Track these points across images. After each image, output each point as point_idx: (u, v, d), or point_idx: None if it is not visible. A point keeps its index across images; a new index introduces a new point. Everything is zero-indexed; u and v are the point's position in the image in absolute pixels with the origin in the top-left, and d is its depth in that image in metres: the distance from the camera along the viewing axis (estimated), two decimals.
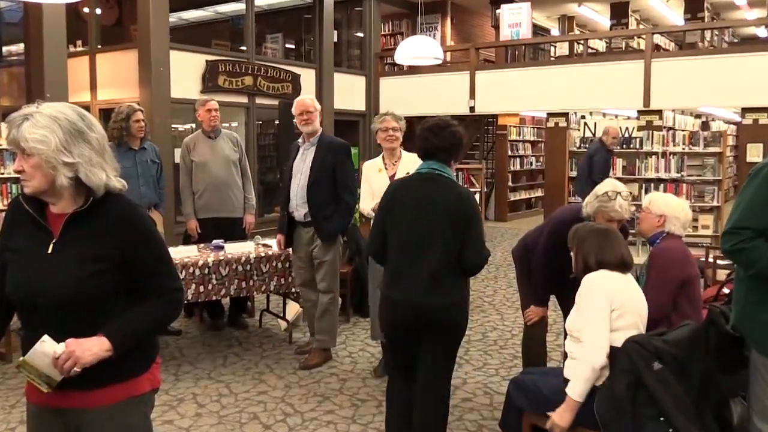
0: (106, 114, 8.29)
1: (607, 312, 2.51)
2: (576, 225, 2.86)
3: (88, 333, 1.75)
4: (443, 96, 11.64)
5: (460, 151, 2.86)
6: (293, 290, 4.94)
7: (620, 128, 8.73)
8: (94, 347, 1.73)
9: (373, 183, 4.18)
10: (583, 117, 11.26)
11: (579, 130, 9.56)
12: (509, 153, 13.39)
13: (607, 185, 3.17)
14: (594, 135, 9.03)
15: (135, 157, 5.06)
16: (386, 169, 4.18)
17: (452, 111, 12.23)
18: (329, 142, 4.42)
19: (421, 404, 2.56)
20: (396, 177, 4.09)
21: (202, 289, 4.52)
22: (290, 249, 4.64)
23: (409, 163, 4.15)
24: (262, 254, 4.80)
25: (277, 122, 10.55)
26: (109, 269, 1.77)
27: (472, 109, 11.62)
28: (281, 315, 5.39)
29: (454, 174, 3.07)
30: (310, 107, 4.40)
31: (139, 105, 7.77)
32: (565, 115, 10.58)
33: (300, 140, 4.57)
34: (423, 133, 2.73)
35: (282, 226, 4.57)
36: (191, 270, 4.47)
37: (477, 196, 10.21)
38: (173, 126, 9.38)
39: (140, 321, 1.82)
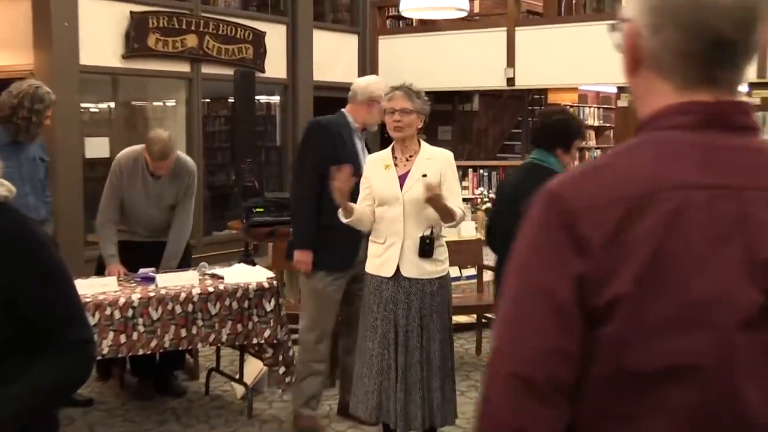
0: None
1: None
2: None
3: None
4: (470, 63, 11.69)
5: (561, 139, 3.65)
6: (256, 342, 4.93)
7: None
8: None
9: (376, 182, 4.18)
10: None
11: None
12: None
13: None
14: None
15: (19, 153, 5.07)
16: (396, 165, 4.17)
17: (482, 84, 12.27)
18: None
19: None
20: (409, 178, 4.11)
21: (123, 339, 4.51)
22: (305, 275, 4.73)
23: (430, 161, 4.17)
24: (211, 289, 4.79)
25: (232, 100, 10.57)
26: None
27: (510, 81, 11.65)
28: (237, 377, 5.36)
29: (570, 162, 3.94)
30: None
31: (35, 74, 7.76)
32: None
33: (341, 120, 4.76)
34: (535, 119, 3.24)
35: (310, 238, 4.63)
36: (108, 312, 4.46)
37: None
38: (83, 106, 9.42)
39: (31, 390, 1.80)
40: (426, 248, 4.08)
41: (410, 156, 4.19)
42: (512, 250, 1.21)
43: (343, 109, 4.79)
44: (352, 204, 4.12)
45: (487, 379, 1.19)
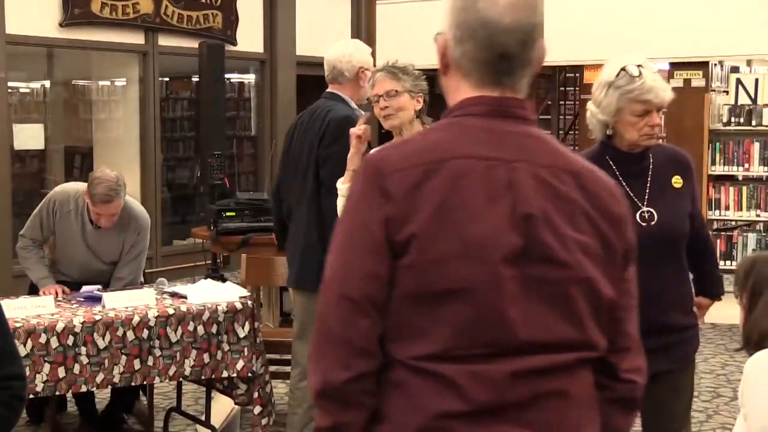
0: None
1: None
2: (753, 255, 3.07)
3: None
4: None
5: None
6: (227, 375, 4.92)
7: None
8: None
9: None
10: (735, 69, 11.30)
11: (728, 92, 9.54)
12: None
13: (616, 63, 3.49)
14: (755, 101, 9.05)
15: None
16: None
17: None
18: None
19: None
20: None
21: (62, 373, 4.49)
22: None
23: None
24: (171, 311, 4.77)
25: (196, 79, 10.57)
26: None
27: None
28: (203, 419, 5.35)
29: None
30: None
31: None
32: (704, 66, 10.61)
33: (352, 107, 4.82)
34: None
35: None
36: (43, 340, 4.44)
37: None
38: (11, 85, 9.41)
39: None
40: None
41: None
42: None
43: (337, 92, 4.78)
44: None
45: (323, 300, 1.86)
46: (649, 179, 3.49)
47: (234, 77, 12.09)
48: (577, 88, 14.19)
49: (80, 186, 5.34)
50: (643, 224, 3.43)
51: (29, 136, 9.60)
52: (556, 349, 1.84)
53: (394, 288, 1.80)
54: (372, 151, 1.93)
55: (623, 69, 3.42)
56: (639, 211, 3.45)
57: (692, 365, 3.80)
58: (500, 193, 1.82)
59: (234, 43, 10.99)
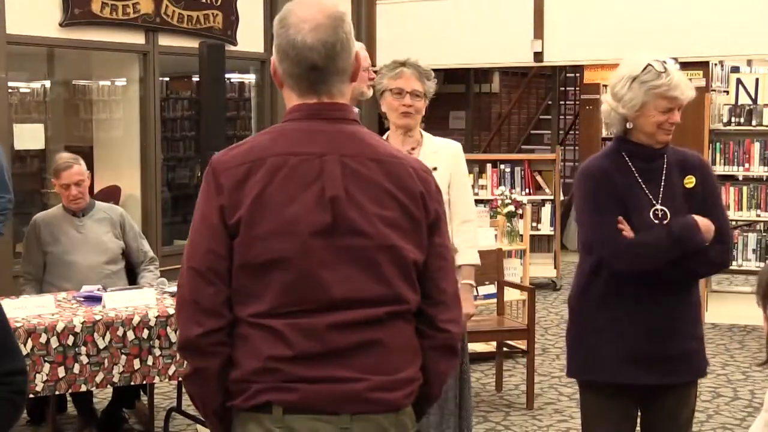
0: None
1: None
2: None
3: None
4: (488, 34, 11.70)
5: None
6: None
7: None
8: None
9: None
10: (735, 69, 11.30)
11: (728, 92, 9.54)
12: (605, 133, 13.41)
13: (640, 58, 3.46)
14: (755, 101, 9.04)
15: None
16: None
17: (503, 59, 12.25)
18: None
19: None
20: None
21: (62, 373, 4.50)
22: None
23: (436, 155, 4.21)
24: (171, 311, 4.77)
25: (197, 79, 10.58)
26: None
27: (537, 56, 11.66)
28: (202, 418, 5.35)
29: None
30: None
31: None
32: (704, 66, 10.61)
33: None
34: None
35: None
36: (43, 339, 4.45)
37: (549, 207, 10.24)
38: (11, 85, 9.41)
39: None
40: None
41: (412, 149, 4.22)
42: None
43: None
44: None
45: (180, 273, 2.33)
46: (663, 178, 3.48)
47: (234, 77, 12.09)
48: (578, 88, 14.17)
49: (54, 208, 5.78)
50: (656, 222, 3.43)
51: (30, 136, 9.60)
52: (368, 304, 2.26)
53: (232, 261, 2.26)
54: (213, 156, 2.40)
55: (650, 64, 3.42)
56: (653, 209, 3.44)
57: None
58: (311, 180, 2.27)
59: (234, 43, 10.99)
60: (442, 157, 4.21)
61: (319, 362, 2.25)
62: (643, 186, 3.44)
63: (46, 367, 4.46)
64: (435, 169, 4.13)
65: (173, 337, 4.75)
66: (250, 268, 2.26)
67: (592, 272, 3.56)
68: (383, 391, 2.28)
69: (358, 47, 4.85)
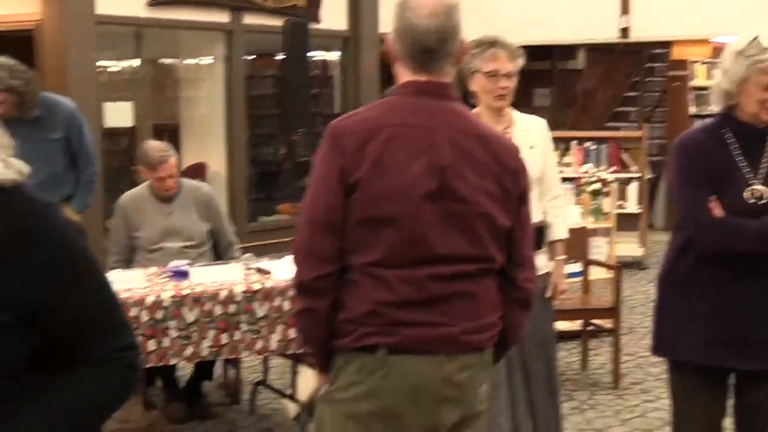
0: None
1: None
2: None
3: None
4: (574, 9, 11.56)
5: None
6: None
7: None
8: None
9: None
10: None
11: None
12: (692, 110, 13.18)
13: (747, 42, 3.41)
14: None
15: (15, 135, 5.37)
16: None
17: (589, 36, 12.10)
18: None
19: None
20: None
21: (152, 346, 4.57)
22: None
23: (529, 132, 4.20)
24: (257, 287, 4.83)
25: (281, 57, 10.64)
26: (3, 324, 1.76)
27: (624, 32, 11.48)
28: (289, 393, 5.41)
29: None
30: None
31: (42, 27, 7.87)
32: None
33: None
34: None
35: None
36: (134, 313, 4.52)
37: (635, 186, 10.10)
38: (100, 65, 9.57)
39: (62, 414, 1.81)
40: (541, 238, 4.12)
41: (506, 128, 4.19)
42: None
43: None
44: None
45: (298, 223, 2.67)
46: (763, 158, 3.39)
47: (318, 55, 12.13)
48: (665, 65, 13.91)
49: (139, 186, 5.75)
50: (752, 201, 3.35)
51: (119, 114, 9.77)
52: (463, 261, 2.61)
53: (348, 216, 2.56)
54: (332, 122, 2.68)
55: (756, 38, 3.36)
56: (750, 187, 3.35)
57: None
58: (422, 151, 2.57)
59: (318, 21, 11.02)
60: (535, 135, 4.21)
61: (419, 308, 2.59)
62: (742, 164, 3.36)
63: (137, 340, 4.54)
64: (532, 147, 4.15)
65: (259, 312, 4.80)
66: (365, 223, 2.57)
67: (682, 249, 3.50)
68: (472, 334, 2.63)
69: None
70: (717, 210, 3.33)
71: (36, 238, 1.80)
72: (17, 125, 5.47)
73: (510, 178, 2.67)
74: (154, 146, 5.59)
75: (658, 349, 3.66)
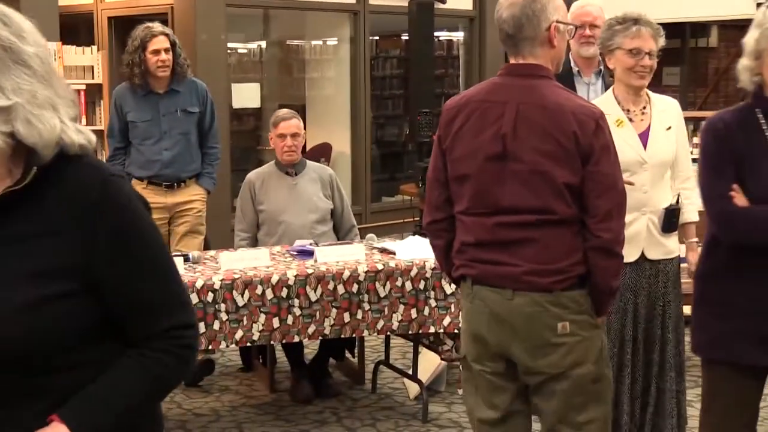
0: (121, 27, 8.75)
1: None
2: None
3: (35, 416, 1.75)
4: None
5: None
6: (433, 331, 4.96)
7: None
8: None
9: None
10: None
11: None
12: None
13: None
14: None
15: (158, 105, 5.88)
16: (631, 120, 4.09)
17: (722, 12, 11.76)
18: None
19: None
20: (652, 136, 4.06)
21: (276, 323, 4.66)
22: None
23: (665, 113, 4.13)
24: (379, 266, 4.86)
25: (406, 38, 10.64)
26: (70, 293, 1.76)
27: (760, 7, 11.09)
28: (410, 373, 5.44)
29: None
30: (598, 19, 4.97)
31: (174, 11, 8.08)
32: None
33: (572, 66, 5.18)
34: None
35: None
36: (259, 291, 4.62)
37: None
38: (230, 46, 9.73)
39: (119, 392, 1.80)
40: (673, 221, 4.07)
41: (643, 108, 4.10)
42: None
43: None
44: None
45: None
46: None
47: (443, 35, 12.08)
48: None
49: (266, 165, 5.89)
50: None
51: (246, 95, 9.92)
52: (524, 212, 3.09)
53: (448, 175, 3.24)
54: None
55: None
56: None
57: None
58: (493, 121, 3.12)
59: (443, 1, 10.95)
60: (672, 116, 4.13)
61: (490, 249, 3.16)
62: None
63: (262, 317, 4.62)
64: (669, 128, 4.07)
65: (382, 292, 4.83)
66: (454, 180, 3.24)
67: (711, 240, 3.31)
68: (534, 275, 3.08)
69: (574, 7, 4.83)
70: (740, 199, 3.10)
71: (102, 208, 1.78)
72: (161, 97, 5.84)
73: (569, 140, 3.03)
74: (282, 110, 5.98)
75: (693, 347, 3.45)
